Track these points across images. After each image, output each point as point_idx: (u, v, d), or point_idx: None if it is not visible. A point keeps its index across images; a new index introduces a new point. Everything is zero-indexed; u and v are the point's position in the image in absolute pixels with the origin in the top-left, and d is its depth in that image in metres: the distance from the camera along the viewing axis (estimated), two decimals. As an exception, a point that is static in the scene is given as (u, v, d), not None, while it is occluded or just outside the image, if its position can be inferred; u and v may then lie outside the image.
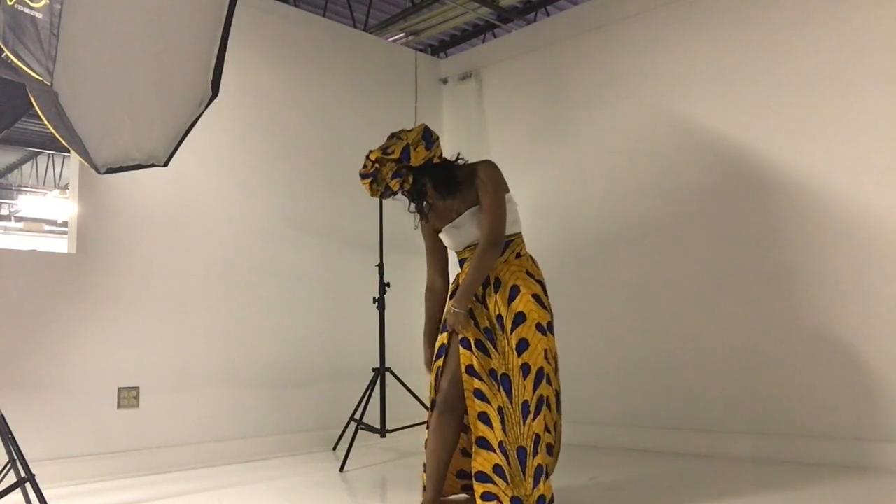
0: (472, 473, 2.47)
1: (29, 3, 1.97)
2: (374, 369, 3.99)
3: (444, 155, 2.72)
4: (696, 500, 2.81)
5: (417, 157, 2.60)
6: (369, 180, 2.63)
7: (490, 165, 2.67)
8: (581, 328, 4.30)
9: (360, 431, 3.86)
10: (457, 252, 2.77)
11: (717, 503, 2.75)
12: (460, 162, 2.73)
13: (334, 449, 4.23)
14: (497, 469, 2.43)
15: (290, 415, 4.25)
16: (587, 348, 4.27)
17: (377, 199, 4.14)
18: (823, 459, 3.38)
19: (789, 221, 3.63)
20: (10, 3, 2.00)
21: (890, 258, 3.31)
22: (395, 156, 2.57)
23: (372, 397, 3.93)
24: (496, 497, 2.41)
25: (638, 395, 4.09)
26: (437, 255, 2.84)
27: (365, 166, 2.63)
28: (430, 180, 2.64)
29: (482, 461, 2.45)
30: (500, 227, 2.59)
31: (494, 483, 2.42)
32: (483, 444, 2.46)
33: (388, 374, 4.00)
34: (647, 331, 4.10)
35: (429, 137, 2.64)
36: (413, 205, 2.75)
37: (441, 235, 2.77)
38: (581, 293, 4.36)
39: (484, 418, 2.46)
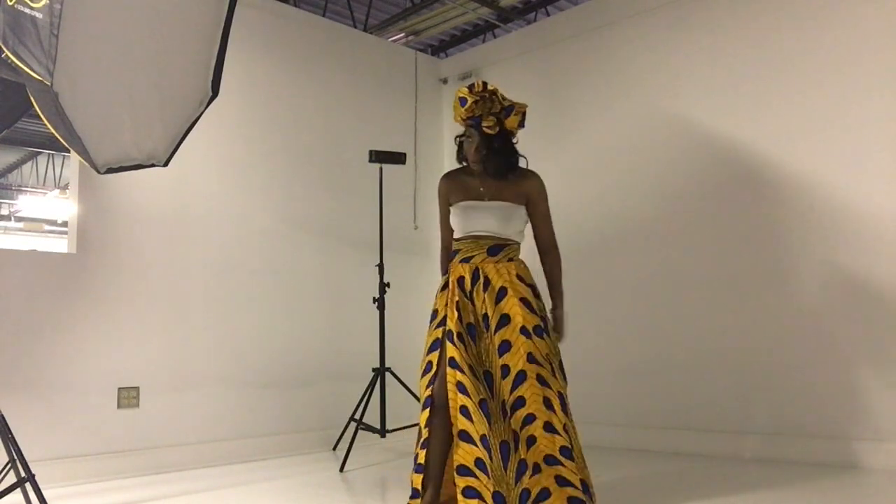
0: (454, 467, 2.45)
1: (29, 3, 1.97)
2: (374, 369, 3.98)
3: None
4: (696, 500, 2.81)
5: (511, 122, 2.68)
6: (476, 98, 2.64)
7: (542, 181, 2.78)
8: (581, 328, 4.27)
9: (360, 431, 3.86)
10: (456, 236, 2.74)
11: (717, 503, 2.75)
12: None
13: (334, 449, 4.23)
14: (479, 463, 2.41)
15: (290, 415, 4.25)
16: (587, 348, 4.26)
17: (377, 199, 4.14)
18: (823, 459, 3.38)
19: (789, 222, 3.63)
20: (10, 3, 2.00)
21: (888, 259, 3.31)
22: (505, 103, 2.65)
23: (372, 397, 3.93)
24: (478, 493, 2.38)
25: (638, 395, 4.09)
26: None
27: (473, 86, 2.65)
28: (499, 149, 2.67)
29: (463, 454, 2.43)
30: (554, 235, 2.81)
31: (476, 477, 2.40)
32: (465, 437, 2.44)
33: (388, 374, 3.99)
34: (646, 331, 4.10)
35: (524, 119, 2.72)
36: (478, 155, 2.69)
37: (452, 209, 2.75)
38: (580, 293, 4.33)
39: (465, 412, 2.44)
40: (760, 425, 3.62)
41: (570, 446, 2.47)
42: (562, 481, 2.42)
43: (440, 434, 2.51)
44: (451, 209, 2.75)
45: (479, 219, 2.67)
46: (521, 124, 2.72)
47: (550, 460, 2.43)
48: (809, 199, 3.57)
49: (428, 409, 2.55)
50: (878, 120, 3.39)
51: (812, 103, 3.59)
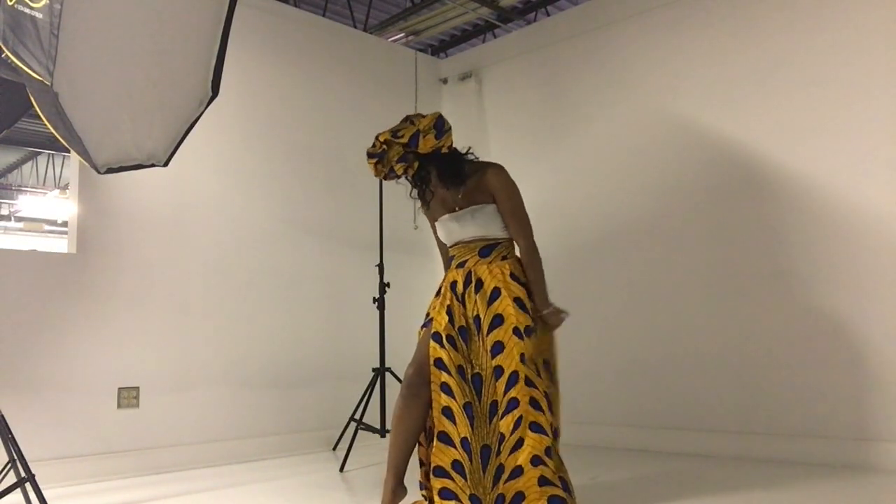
0: (431, 467, 2.46)
1: (29, 3, 1.97)
2: (374, 369, 3.98)
3: (454, 146, 2.71)
4: (695, 499, 2.81)
5: (426, 145, 2.60)
6: (375, 160, 2.64)
7: (503, 171, 2.68)
8: (580, 328, 4.29)
9: (360, 431, 3.86)
10: (448, 245, 2.76)
11: (717, 503, 2.75)
12: (470, 157, 2.73)
13: (334, 449, 4.23)
14: (456, 465, 2.42)
15: (290, 415, 4.25)
16: (587, 348, 4.27)
17: (377, 199, 4.15)
18: (824, 459, 3.38)
19: (789, 222, 3.63)
20: (10, 3, 2.00)
21: (889, 259, 3.31)
22: (404, 140, 2.58)
23: (372, 397, 3.93)
24: (455, 495, 2.40)
25: (638, 395, 4.10)
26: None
27: (374, 146, 2.64)
28: (435, 169, 2.66)
29: (441, 456, 2.44)
30: (530, 226, 2.67)
31: (452, 479, 2.42)
32: (444, 438, 2.45)
33: (388, 374, 4.00)
34: (646, 331, 4.10)
35: (441, 126, 2.64)
36: (415, 190, 2.76)
37: (436, 225, 2.77)
38: (580, 293, 4.36)
39: (448, 413, 2.46)
40: (760, 425, 3.62)
41: (552, 446, 2.47)
42: (543, 481, 2.40)
43: (408, 422, 2.51)
44: (436, 225, 2.78)
45: (460, 228, 2.68)
46: (440, 132, 2.62)
47: (536, 461, 2.41)
48: (809, 198, 3.57)
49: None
50: (877, 120, 3.39)
51: (812, 103, 3.59)
